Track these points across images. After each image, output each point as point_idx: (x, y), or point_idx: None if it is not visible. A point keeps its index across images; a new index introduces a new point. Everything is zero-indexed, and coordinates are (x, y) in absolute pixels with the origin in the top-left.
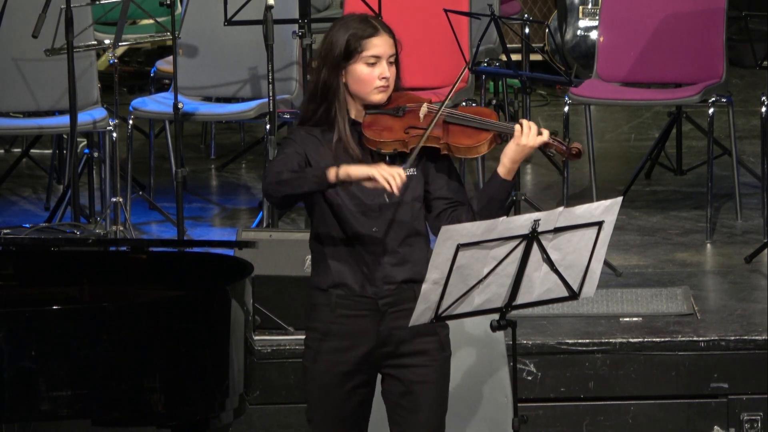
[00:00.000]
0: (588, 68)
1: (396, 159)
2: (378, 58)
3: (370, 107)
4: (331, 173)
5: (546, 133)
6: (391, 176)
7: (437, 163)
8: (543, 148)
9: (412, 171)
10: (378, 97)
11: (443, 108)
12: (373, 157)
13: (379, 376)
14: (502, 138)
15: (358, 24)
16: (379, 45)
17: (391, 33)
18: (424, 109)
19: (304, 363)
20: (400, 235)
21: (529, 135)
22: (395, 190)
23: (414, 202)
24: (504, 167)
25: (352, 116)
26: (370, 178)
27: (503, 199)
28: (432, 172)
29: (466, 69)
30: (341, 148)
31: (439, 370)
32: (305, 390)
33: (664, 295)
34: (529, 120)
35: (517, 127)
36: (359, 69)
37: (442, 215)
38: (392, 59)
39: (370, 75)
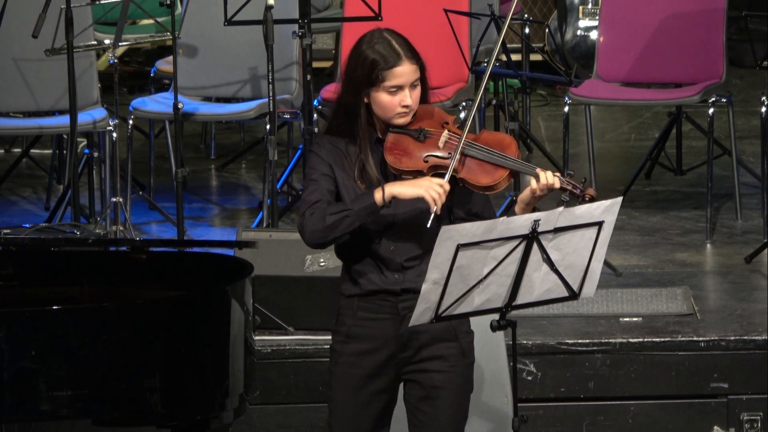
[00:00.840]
0: (588, 68)
1: None
2: (400, 87)
3: (393, 126)
4: (378, 197)
5: (557, 181)
6: (438, 194)
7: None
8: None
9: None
10: (400, 121)
11: (464, 140)
12: (396, 177)
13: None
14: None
15: (383, 49)
16: (401, 75)
17: (415, 58)
18: (444, 137)
19: (328, 366)
20: (420, 249)
21: (545, 189)
22: (438, 210)
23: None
24: (521, 210)
25: (377, 133)
26: (419, 198)
27: None
28: (455, 192)
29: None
30: (363, 170)
31: (460, 376)
32: (328, 393)
33: (664, 295)
34: (529, 120)
35: (532, 182)
36: (381, 97)
37: None
38: (416, 83)
39: (392, 103)
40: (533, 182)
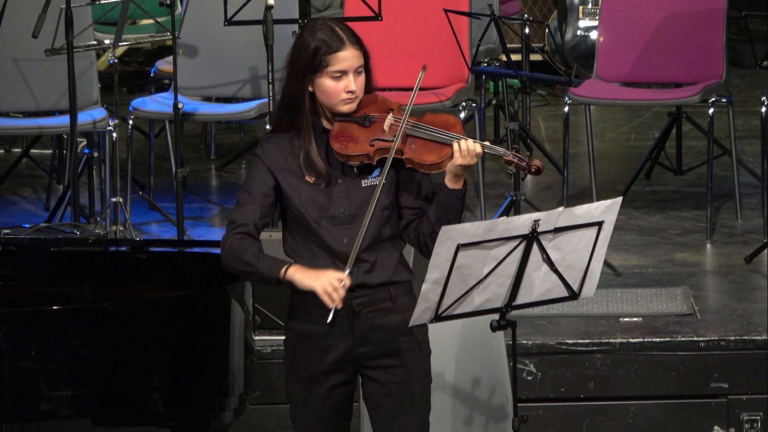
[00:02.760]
0: (588, 68)
1: (363, 170)
2: (344, 72)
3: (338, 114)
4: (281, 274)
5: (478, 146)
6: (333, 289)
7: (408, 173)
8: (504, 162)
9: (382, 181)
10: (345, 108)
11: (406, 120)
12: (343, 165)
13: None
14: None
15: (325, 35)
16: (344, 59)
17: (357, 43)
18: (389, 120)
19: (284, 363)
20: (367, 243)
21: (465, 156)
22: (338, 304)
23: (383, 210)
24: (449, 180)
25: (323, 124)
26: (314, 291)
27: (458, 206)
28: (403, 181)
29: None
30: (309, 160)
31: (418, 369)
32: (287, 390)
33: (664, 295)
34: (529, 120)
35: (454, 146)
36: (325, 82)
37: (409, 226)
38: (360, 69)
39: (336, 88)
40: (454, 147)
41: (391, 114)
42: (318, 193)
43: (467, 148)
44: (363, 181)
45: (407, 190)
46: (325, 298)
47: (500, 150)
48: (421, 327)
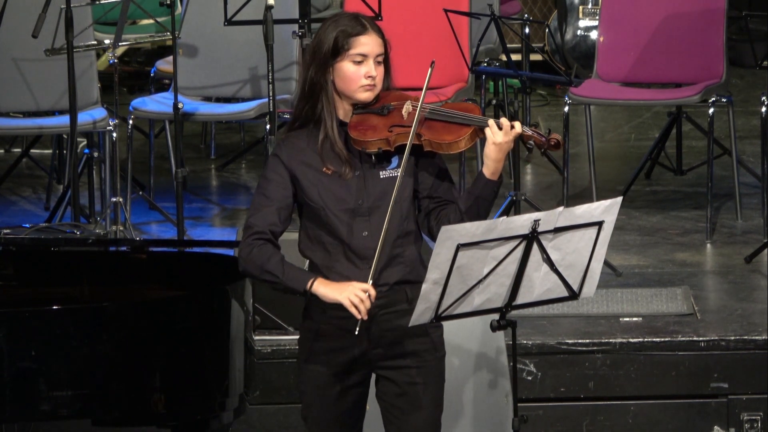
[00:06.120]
0: (588, 68)
1: (382, 157)
2: (365, 56)
3: (357, 107)
4: (307, 286)
5: (518, 125)
6: (359, 300)
7: (426, 162)
8: (522, 140)
9: (404, 166)
10: (364, 96)
11: (422, 103)
12: (361, 156)
13: (374, 378)
14: (484, 132)
15: (348, 22)
16: (366, 43)
17: (380, 32)
18: (407, 107)
19: (297, 362)
20: (391, 237)
21: (501, 133)
22: (364, 316)
23: (403, 202)
24: (488, 168)
25: (340, 117)
26: (340, 304)
27: (490, 199)
28: (420, 171)
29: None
30: (328, 148)
31: (433, 371)
32: (300, 389)
33: (664, 295)
34: (529, 120)
35: (488, 127)
36: (345, 67)
37: (431, 215)
38: (380, 59)
39: (356, 73)
40: (492, 132)
41: (409, 102)
42: (337, 185)
43: (501, 123)
44: (381, 173)
45: (426, 180)
46: (353, 311)
47: (537, 132)
48: (437, 328)
